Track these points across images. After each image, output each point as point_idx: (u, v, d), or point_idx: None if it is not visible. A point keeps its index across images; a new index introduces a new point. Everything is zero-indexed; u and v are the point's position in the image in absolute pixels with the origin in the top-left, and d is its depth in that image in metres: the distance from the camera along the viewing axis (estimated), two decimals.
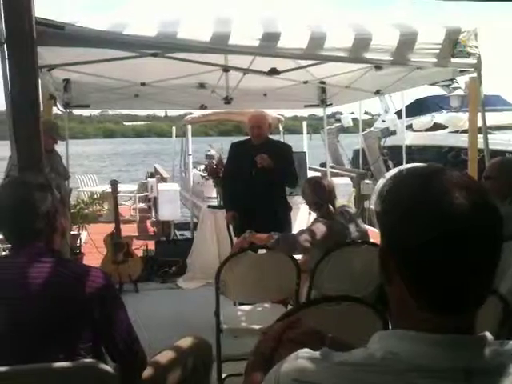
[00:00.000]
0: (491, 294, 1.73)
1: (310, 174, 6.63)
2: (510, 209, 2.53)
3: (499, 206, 0.82)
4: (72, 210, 5.74)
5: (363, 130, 12.86)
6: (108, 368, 1.59)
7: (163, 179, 8.92)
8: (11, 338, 1.54)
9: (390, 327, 0.89)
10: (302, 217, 5.31)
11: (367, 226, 4.00)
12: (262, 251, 3.14)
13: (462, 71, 3.85)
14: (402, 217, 0.80)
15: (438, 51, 3.39)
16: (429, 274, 0.77)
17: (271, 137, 4.57)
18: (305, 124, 8.64)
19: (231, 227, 4.60)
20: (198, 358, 2.02)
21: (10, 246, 1.73)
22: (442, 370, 0.76)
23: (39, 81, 2.67)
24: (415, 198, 0.80)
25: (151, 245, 6.03)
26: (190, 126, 8.02)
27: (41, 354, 1.53)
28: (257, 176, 4.10)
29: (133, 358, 1.75)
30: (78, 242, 5.94)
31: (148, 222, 9.04)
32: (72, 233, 5.56)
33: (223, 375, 2.83)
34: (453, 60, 3.45)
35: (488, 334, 0.81)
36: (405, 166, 8.58)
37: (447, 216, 0.76)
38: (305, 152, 7.31)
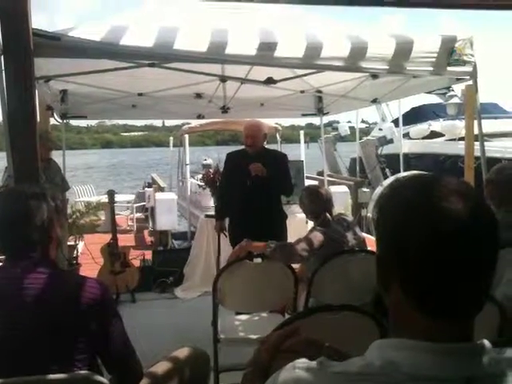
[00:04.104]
0: (488, 300, 1.72)
1: (308, 182, 6.63)
2: (506, 216, 2.54)
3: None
4: (68, 220, 5.72)
5: (360, 139, 12.91)
6: (103, 380, 1.57)
7: (160, 189, 8.91)
8: (6, 349, 1.52)
9: (388, 336, 0.87)
10: (299, 225, 5.30)
11: (365, 234, 3.99)
12: (258, 260, 3.12)
13: (458, 79, 3.86)
14: (400, 221, 0.80)
15: (433, 60, 3.40)
16: (426, 277, 0.77)
17: (268, 146, 4.56)
18: (302, 133, 8.65)
19: (222, 236, 4.58)
20: (195, 368, 2.00)
21: (4, 256, 1.72)
22: (442, 380, 0.75)
23: (36, 92, 2.67)
24: (412, 203, 0.80)
25: (148, 255, 6.01)
26: (187, 136, 8.03)
27: (36, 365, 1.52)
28: (252, 185, 4.09)
29: (128, 369, 1.73)
30: (75, 252, 5.91)
31: (145, 232, 9.02)
32: (68, 243, 5.54)
33: None
34: (449, 68, 3.47)
35: (486, 342, 0.80)
36: (402, 174, 8.61)
37: (444, 220, 0.76)
38: (302, 161, 7.32)
